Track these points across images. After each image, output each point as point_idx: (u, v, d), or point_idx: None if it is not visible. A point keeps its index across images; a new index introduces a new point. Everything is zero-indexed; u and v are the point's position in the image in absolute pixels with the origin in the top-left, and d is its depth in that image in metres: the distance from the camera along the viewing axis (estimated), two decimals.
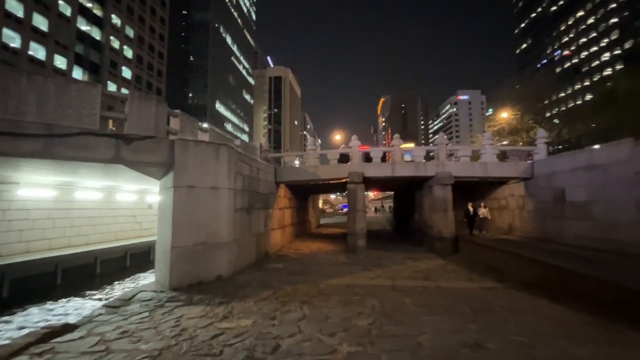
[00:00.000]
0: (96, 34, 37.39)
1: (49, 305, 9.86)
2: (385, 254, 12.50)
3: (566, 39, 64.37)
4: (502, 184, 14.41)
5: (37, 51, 29.55)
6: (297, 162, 16.64)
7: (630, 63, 43.35)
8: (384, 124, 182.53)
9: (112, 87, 38.60)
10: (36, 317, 9.03)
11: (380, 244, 15.85)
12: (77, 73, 34.18)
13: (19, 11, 27.67)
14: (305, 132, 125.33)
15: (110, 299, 6.69)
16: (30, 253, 11.34)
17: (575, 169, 10.49)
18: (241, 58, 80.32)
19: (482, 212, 13.20)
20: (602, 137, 19.50)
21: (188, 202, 7.55)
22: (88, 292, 11.19)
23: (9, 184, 10.85)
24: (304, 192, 19.65)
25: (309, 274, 8.74)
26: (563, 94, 59.28)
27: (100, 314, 5.52)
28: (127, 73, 42.00)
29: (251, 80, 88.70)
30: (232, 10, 75.46)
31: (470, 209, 13.37)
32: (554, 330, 4.69)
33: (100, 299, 10.28)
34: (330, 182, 14.43)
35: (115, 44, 40.13)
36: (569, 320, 5.11)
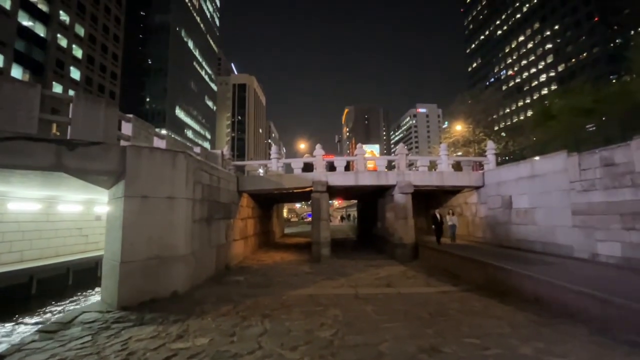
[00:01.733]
0: (40, 30, 34.32)
1: None
2: (348, 262, 12.60)
3: (510, 60, 71.11)
4: (458, 192, 15.29)
5: None
6: (261, 171, 16.37)
7: (563, 84, 48.76)
8: (348, 133, 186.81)
9: (58, 88, 35.48)
10: None
11: (344, 252, 15.97)
12: (17, 72, 30.97)
13: None
14: (270, 141, 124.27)
15: (46, 323, 5.97)
16: None
17: (520, 178, 11.43)
18: (204, 63, 78.20)
19: (451, 219, 13.28)
20: (541, 149, 21.59)
21: (141, 213, 7.05)
22: (19, 316, 9.93)
23: None
24: (268, 201, 19.33)
25: (272, 286, 8.52)
26: (509, 110, 65.10)
27: (33, 341, 4.90)
28: (75, 74, 38.90)
29: (214, 87, 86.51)
30: (195, 14, 73.55)
31: (438, 216, 13.37)
32: (503, 330, 4.98)
33: (34, 324, 9.16)
34: (295, 191, 14.34)
35: (63, 42, 37.09)
36: (517, 320, 5.47)
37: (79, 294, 12.59)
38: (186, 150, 8.76)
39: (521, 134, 34.64)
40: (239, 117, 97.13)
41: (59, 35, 36.40)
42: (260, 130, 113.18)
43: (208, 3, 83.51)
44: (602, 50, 49.47)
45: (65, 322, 5.69)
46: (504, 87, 69.37)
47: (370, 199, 19.59)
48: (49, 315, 10.25)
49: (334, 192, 15.39)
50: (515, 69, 69.14)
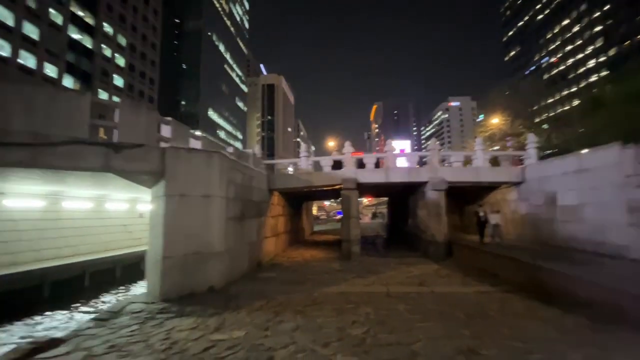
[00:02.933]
0: (88, 42, 37.16)
1: (36, 319, 9.56)
2: (379, 260, 12.46)
3: (553, 46, 66.12)
4: (495, 189, 14.55)
5: (27, 59, 29.22)
6: (290, 169, 16.59)
7: (615, 69, 44.58)
8: (377, 130, 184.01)
9: (103, 95, 38.30)
10: (22, 331, 8.74)
11: (375, 250, 15.82)
12: (68, 81, 33.83)
13: (9, 20, 27.43)
14: (298, 139, 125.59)
15: (99, 312, 6.50)
16: (16, 265, 11.03)
17: (566, 173, 10.64)
18: (234, 66, 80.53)
19: (494, 217, 12.35)
20: (590, 141, 19.88)
21: (179, 211, 7.44)
22: (76, 305, 10.89)
23: None
24: (298, 199, 19.58)
25: (303, 283, 8.64)
26: (551, 100, 60.58)
27: (88, 328, 5.35)
28: (119, 81, 41.74)
29: (244, 88, 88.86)
30: (225, 18, 75.86)
31: (481, 214, 12.57)
32: (549, 334, 4.69)
33: (88, 312, 10.00)
34: (324, 188, 14.40)
35: (107, 52, 39.93)
36: (563, 323, 5.12)
37: (125, 286, 13.57)
38: (220, 150, 9.10)
39: (566, 125, 32.16)
40: (269, 117, 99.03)
41: (103, 46, 39.21)
42: (289, 129, 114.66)
43: (238, 7, 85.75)
44: None
45: (116, 311, 6.16)
46: (545, 76, 64.68)
47: (400, 196, 19.20)
48: (100, 305, 11.14)
49: (363, 189, 15.24)
50: (559, 55, 64.15)
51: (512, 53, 79.32)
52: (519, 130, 32.20)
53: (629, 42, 49.60)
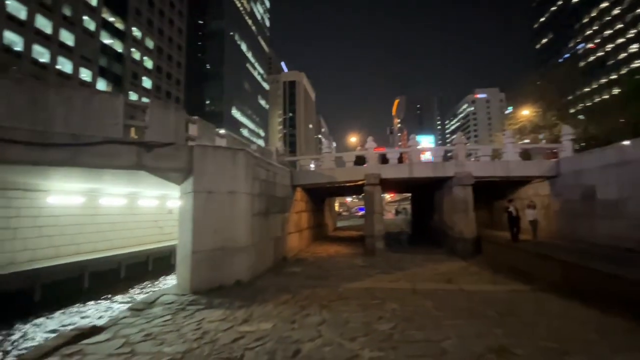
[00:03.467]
0: (118, 46, 38.94)
1: (77, 308, 10.24)
2: (404, 256, 12.29)
3: (590, 31, 61.84)
4: (525, 184, 13.90)
5: (64, 65, 31.07)
6: (312, 166, 16.66)
7: None
8: (399, 125, 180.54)
9: (133, 96, 40.03)
10: (65, 319, 9.40)
11: (399, 246, 15.61)
12: (101, 84, 35.68)
13: (47, 28, 29.22)
14: (320, 135, 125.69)
15: (134, 302, 6.86)
16: (59, 258, 11.83)
17: (606, 166, 9.98)
18: (256, 64, 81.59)
19: (530, 213, 11.22)
20: (633, 131, 18.51)
21: (207, 207, 7.67)
22: (113, 296, 11.55)
23: (39, 192, 11.38)
24: (320, 195, 19.64)
25: (327, 278, 8.68)
26: (588, 89, 56.81)
27: (125, 317, 5.66)
28: (147, 83, 43.48)
29: (266, 86, 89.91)
30: (246, 17, 76.89)
31: (513, 210, 11.26)
32: (587, 336, 4.44)
33: (124, 302, 10.58)
34: (347, 184, 14.34)
35: (136, 55, 41.67)
36: (603, 325, 4.84)
37: (157, 278, 14.22)
38: (245, 148, 9.28)
39: (605, 116, 30.07)
40: (290, 114, 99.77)
41: (133, 49, 40.94)
42: (310, 126, 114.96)
43: (258, 5, 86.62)
44: None
45: (149, 302, 6.48)
46: (581, 63, 60.72)
47: (425, 192, 18.78)
48: (135, 295, 11.75)
49: (386, 185, 15.05)
50: (597, 41, 59.97)
51: (544, 40, 75.04)
52: (552, 121, 30.49)
53: None
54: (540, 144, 24.33)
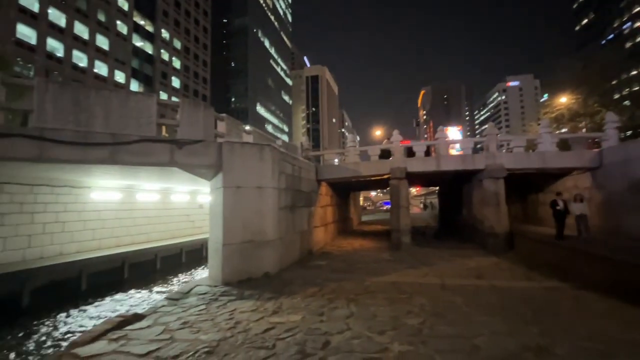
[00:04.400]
0: (148, 48, 40.64)
1: (119, 296, 10.97)
2: (431, 251, 12.05)
3: (638, 8, 56.60)
4: (563, 176, 13.11)
5: (100, 68, 32.93)
6: (336, 160, 16.64)
7: None
8: (425, 117, 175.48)
9: (163, 96, 41.80)
10: (109, 306, 10.11)
11: (426, 240, 15.31)
12: (134, 86, 37.51)
13: (84, 34, 31.02)
14: (343, 130, 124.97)
15: (171, 292, 7.24)
16: (102, 250, 12.71)
17: None
18: (279, 60, 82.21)
19: (579, 207, 9.97)
20: None
21: (236, 201, 7.91)
22: (151, 286, 12.26)
23: (82, 188, 12.24)
24: (345, 189, 19.60)
25: (353, 272, 8.70)
26: (635, 72, 52.21)
27: (163, 306, 6.00)
28: (176, 82, 45.15)
29: (289, 81, 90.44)
30: (269, 13, 77.43)
31: (560, 203, 10.00)
32: (632, 336, 4.17)
33: (161, 292, 11.21)
34: (372, 178, 14.21)
35: (165, 56, 43.32)
36: None
37: (190, 270, 14.90)
38: (271, 144, 9.44)
39: None
40: (313, 109, 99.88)
41: (162, 51, 42.56)
42: (334, 120, 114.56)
43: (281, 1, 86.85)
44: None
45: (184, 292, 6.82)
46: (628, 44, 55.84)
47: (452, 185, 18.22)
48: (171, 285, 12.40)
49: (412, 178, 14.75)
50: None
51: (585, 21, 69.61)
52: (594, 108, 28.39)
53: None
54: (580, 133, 22.77)
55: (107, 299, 10.71)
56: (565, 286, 6.85)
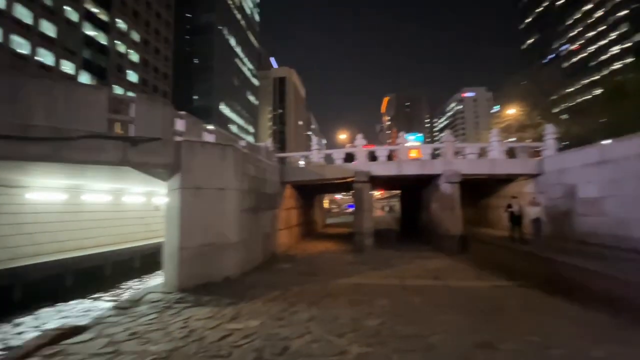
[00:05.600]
0: (102, 38, 37.81)
1: (60, 307, 9.96)
2: (393, 253, 12.40)
3: (573, 33, 63.46)
4: (511, 182, 14.21)
5: (45, 57, 29.99)
6: (301, 163, 16.61)
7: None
8: (388, 122, 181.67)
9: (118, 90, 39.02)
10: (47, 319, 9.14)
11: (388, 243, 15.74)
12: (85, 78, 34.63)
13: (27, 18, 28.12)
14: (310, 132, 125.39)
15: (120, 301, 6.71)
16: (40, 256, 11.48)
17: (586, 165, 10.28)
18: (245, 60, 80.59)
19: (534, 211, 10.18)
20: (613, 132, 19.13)
21: (195, 203, 7.56)
22: (98, 294, 11.29)
23: (18, 188, 10.99)
24: (310, 192, 19.62)
25: (317, 274, 8.69)
26: (571, 89, 58.34)
27: (110, 316, 5.54)
28: (133, 77, 42.43)
29: (255, 82, 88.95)
30: (236, 12, 75.72)
31: (515, 206, 10.51)
32: (569, 330, 4.58)
33: (109, 301, 10.36)
34: (336, 181, 14.37)
35: (121, 48, 40.57)
36: (585, 319, 5.00)
37: (143, 276, 13.97)
38: (234, 144, 9.17)
39: (587, 116, 31.00)
40: (280, 110, 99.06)
41: (117, 42, 39.85)
42: (301, 122, 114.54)
43: (248, 0, 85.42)
44: None
45: (135, 300, 6.35)
46: (565, 64, 62.33)
47: (413, 189, 18.99)
48: (120, 294, 11.52)
49: (375, 182, 15.15)
50: (580, 42, 61.58)
51: (530, 41, 76.59)
52: (537, 120, 31.28)
53: None
54: (525, 142, 24.90)
55: (44, 310, 9.67)
56: (511, 284, 7.38)
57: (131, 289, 12.17)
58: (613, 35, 54.52)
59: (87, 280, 11.91)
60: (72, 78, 32.23)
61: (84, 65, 34.61)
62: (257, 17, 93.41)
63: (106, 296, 11.18)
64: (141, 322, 5.12)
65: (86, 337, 4.57)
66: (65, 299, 10.54)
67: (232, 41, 72.72)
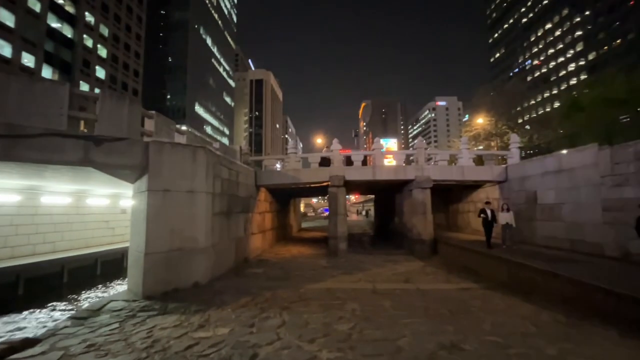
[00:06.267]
0: (68, 31, 35.75)
1: (10, 318, 9.18)
2: (366, 257, 12.55)
3: (536, 49, 67.90)
4: (479, 187, 14.86)
5: (3, 48, 27.88)
6: (278, 166, 16.49)
7: (594, 73, 46.17)
8: (365, 128, 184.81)
9: (84, 87, 36.96)
10: None
11: (362, 247, 15.92)
12: (47, 72, 32.50)
13: None
14: (286, 136, 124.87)
15: (77, 310, 6.30)
16: None
17: (546, 173, 10.96)
18: (222, 60, 79.17)
19: (505, 216, 10.26)
20: (570, 142, 20.58)
21: (163, 206, 7.28)
22: (53, 303, 10.52)
23: None
24: (285, 195, 19.49)
25: (290, 279, 8.62)
26: (534, 102, 62.31)
27: (66, 327, 5.18)
28: (101, 73, 40.36)
29: (232, 83, 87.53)
30: (213, 11, 74.37)
31: (488, 211, 10.53)
32: (526, 329, 4.82)
33: (66, 311, 9.69)
34: (312, 185, 14.37)
35: (89, 42, 38.51)
36: (542, 319, 5.28)
37: (106, 283, 13.20)
38: (206, 145, 8.94)
39: (547, 127, 33.18)
40: (257, 113, 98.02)
41: (85, 36, 37.80)
42: (277, 125, 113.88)
43: (226, 0, 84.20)
44: (638, 37, 46.36)
45: (95, 309, 5.99)
46: (528, 78, 66.41)
47: (387, 194, 19.38)
48: (80, 302, 10.80)
49: (350, 186, 15.32)
50: (542, 58, 65.95)
51: (498, 55, 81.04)
52: (503, 130, 33.04)
53: (606, 47, 51.47)
54: (491, 150, 26.19)
55: None
56: (476, 287, 7.68)
57: (91, 297, 11.45)
58: (570, 54, 58.88)
59: (42, 289, 11.09)
60: (33, 72, 30.14)
61: (47, 58, 32.50)
62: (235, 18, 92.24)
63: (63, 306, 10.43)
64: (101, 333, 4.83)
65: (37, 350, 4.25)
66: (17, 309, 9.73)
67: (208, 40, 71.29)
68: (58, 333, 4.88)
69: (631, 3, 47.97)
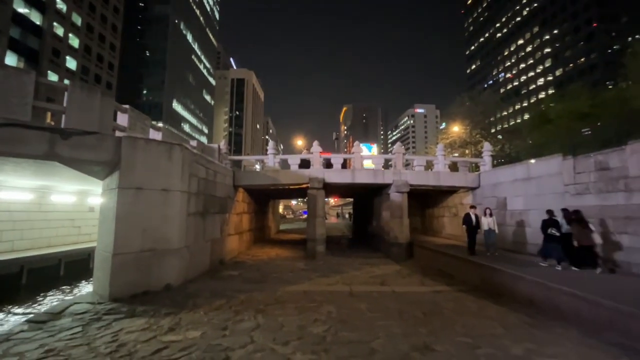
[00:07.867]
0: (36, 18, 33.77)
1: None
2: (344, 259, 12.60)
3: (509, 63, 71.44)
4: (454, 193, 15.34)
5: None
6: (257, 167, 16.27)
7: (560, 88, 49.07)
8: (345, 132, 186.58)
9: (53, 77, 35.00)
10: None
11: (340, 250, 15.97)
12: (11, 59, 30.52)
13: None
14: (267, 137, 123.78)
15: (36, 314, 5.90)
16: None
17: (515, 180, 11.48)
18: (202, 57, 77.48)
19: (487, 221, 10.12)
20: (537, 152, 21.74)
21: (135, 204, 6.98)
22: (8, 307, 9.79)
23: None
24: (264, 197, 19.26)
25: (266, 282, 8.49)
26: (506, 113, 65.38)
27: (22, 331, 4.84)
28: (71, 63, 38.38)
29: (212, 81, 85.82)
30: (194, 7, 72.77)
31: (473, 217, 10.27)
32: (495, 331, 5.00)
33: (23, 314, 9.04)
34: (291, 187, 14.29)
35: (59, 31, 36.54)
36: (509, 321, 5.49)
37: (70, 285, 12.45)
38: (182, 143, 8.67)
39: (518, 137, 34.87)
40: (237, 112, 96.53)
41: (55, 24, 35.85)
42: (258, 126, 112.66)
43: None
44: (600, 56, 49.86)
45: (56, 312, 5.63)
46: (502, 90, 69.69)
47: (366, 197, 19.60)
48: (39, 305, 10.12)
49: (330, 189, 15.36)
50: (514, 71, 69.48)
51: (474, 66, 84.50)
52: (477, 139, 34.37)
53: (572, 65, 54.93)
54: (466, 158, 27.17)
55: None
56: (449, 289, 7.89)
57: (53, 299, 10.77)
58: (539, 69, 62.37)
59: None
60: None
61: (11, 45, 30.53)
62: (217, 15, 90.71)
63: (19, 309, 9.74)
64: (61, 337, 4.55)
65: None
66: None
67: (189, 36, 69.63)
68: (12, 338, 4.55)
69: (594, 25, 51.53)
